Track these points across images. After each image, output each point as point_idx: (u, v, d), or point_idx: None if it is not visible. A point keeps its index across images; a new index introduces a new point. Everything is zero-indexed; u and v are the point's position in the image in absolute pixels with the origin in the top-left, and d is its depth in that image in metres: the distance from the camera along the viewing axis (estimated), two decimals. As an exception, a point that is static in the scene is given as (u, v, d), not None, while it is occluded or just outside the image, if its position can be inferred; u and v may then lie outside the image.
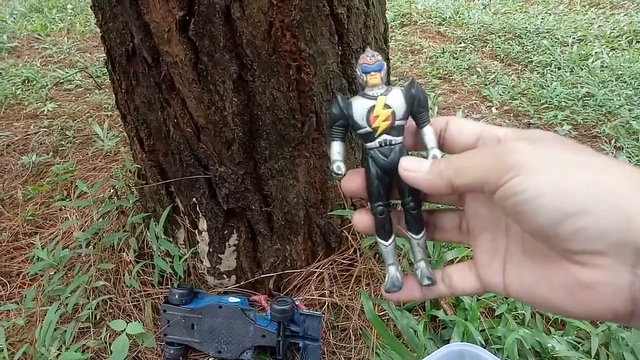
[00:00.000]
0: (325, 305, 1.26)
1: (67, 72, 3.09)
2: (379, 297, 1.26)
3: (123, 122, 1.30)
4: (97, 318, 1.26)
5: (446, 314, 1.21)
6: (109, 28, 1.04)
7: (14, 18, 4.26)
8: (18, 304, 1.30)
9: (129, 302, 1.27)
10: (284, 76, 1.01)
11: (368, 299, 1.16)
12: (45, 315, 1.26)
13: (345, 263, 1.32)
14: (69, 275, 1.35)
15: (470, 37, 3.75)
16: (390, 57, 1.54)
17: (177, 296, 1.18)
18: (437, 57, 3.41)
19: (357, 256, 1.32)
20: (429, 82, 3.05)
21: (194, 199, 1.18)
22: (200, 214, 1.20)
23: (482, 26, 3.88)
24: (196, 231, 1.25)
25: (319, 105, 1.09)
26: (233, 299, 1.19)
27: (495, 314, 1.23)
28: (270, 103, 1.04)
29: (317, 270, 1.30)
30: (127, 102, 1.16)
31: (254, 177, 1.14)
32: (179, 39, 0.95)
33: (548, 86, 2.83)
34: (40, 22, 4.09)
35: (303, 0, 0.95)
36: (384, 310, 1.23)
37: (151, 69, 1.02)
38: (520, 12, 4.25)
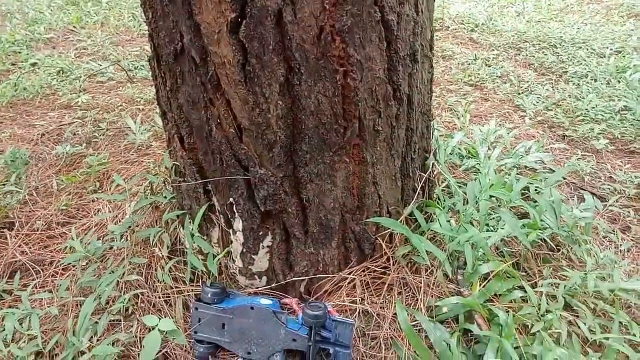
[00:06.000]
0: (356, 312, 1.25)
1: (101, 65, 3.13)
2: (411, 306, 1.25)
3: (162, 119, 1.31)
4: (128, 311, 1.27)
5: (480, 329, 1.18)
6: (158, 26, 1.04)
7: (51, 10, 4.34)
8: (51, 292, 1.32)
9: (159, 298, 1.28)
10: (331, 81, 1.00)
11: (403, 309, 1.14)
12: (77, 305, 1.28)
13: (378, 271, 1.30)
14: (102, 267, 1.36)
15: (503, 44, 3.69)
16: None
17: (209, 295, 1.18)
18: (469, 64, 3.36)
19: (390, 264, 1.31)
20: (460, 88, 3.02)
21: (231, 199, 1.18)
22: (236, 214, 1.19)
23: (516, 34, 3.82)
24: (230, 231, 1.25)
25: (362, 112, 1.08)
26: (265, 301, 1.19)
27: (530, 332, 1.21)
28: (314, 107, 1.03)
29: (349, 276, 1.29)
30: (170, 99, 1.16)
31: (293, 180, 1.14)
32: (228, 40, 0.95)
33: (584, 98, 2.77)
34: (76, 15, 4.16)
35: (355, 5, 0.94)
36: (416, 321, 1.21)
37: (198, 69, 1.02)
38: (555, 21, 4.17)
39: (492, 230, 1.49)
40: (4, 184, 1.82)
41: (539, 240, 1.45)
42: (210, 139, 1.11)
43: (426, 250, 1.23)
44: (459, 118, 2.51)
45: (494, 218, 1.58)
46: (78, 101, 2.57)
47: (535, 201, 1.65)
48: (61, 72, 3.03)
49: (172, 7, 0.97)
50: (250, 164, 1.10)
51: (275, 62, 0.96)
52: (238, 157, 1.11)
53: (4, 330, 1.21)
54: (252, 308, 1.17)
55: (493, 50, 3.61)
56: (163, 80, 1.15)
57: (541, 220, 1.45)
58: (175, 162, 1.28)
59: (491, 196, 1.54)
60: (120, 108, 2.51)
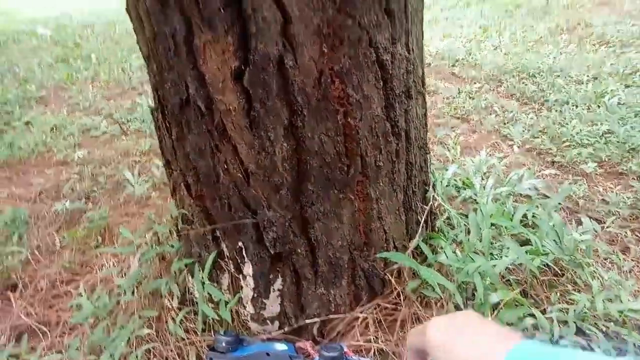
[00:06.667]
0: (371, 352, 1.24)
1: (93, 120, 3.17)
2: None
3: (166, 169, 1.33)
4: (141, 367, 1.24)
5: None
6: (163, 78, 1.07)
7: (42, 68, 4.42)
8: (61, 353, 1.29)
9: (172, 350, 1.25)
10: (332, 121, 1.04)
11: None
12: (87, 364, 1.25)
13: (389, 307, 1.30)
14: (111, 323, 1.34)
15: (484, 77, 3.82)
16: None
17: (223, 344, 1.16)
18: (454, 98, 3.46)
19: (401, 300, 1.30)
20: (447, 122, 3.09)
21: (240, 244, 1.19)
22: (246, 258, 1.20)
23: (496, 67, 3.96)
24: (240, 276, 1.24)
25: (364, 149, 1.11)
26: (280, 346, 1.17)
27: None
28: (318, 147, 1.06)
29: (361, 315, 1.28)
30: (175, 148, 1.18)
31: (300, 220, 1.15)
32: (233, 88, 0.98)
33: (567, 124, 2.85)
34: (66, 72, 4.24)
35: (352, 48, 0.98)
36: (432, 356, 1.20)
37: (204, 117, 1.05)
38: (532, 52, 4.34)
39: (496, 259, 1.50)
40: (4, 245, 1.80)
41: (543, 266, 1.46)
42: (218, 185, 1.13)
43: (437, 283, 1.24)
44: (449, 150, 2.56)
45: (496, 247, 1.60)
46: (74, 157, 2.59)
47: (534, 227, 1.67)
48: (55, 129, 3.06)
49: (176, 60, 1.01)
50: (258, 207, 1.12)
51: (278, 107, 1.00)
52: (246, 201, 1.12)
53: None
54: (268, 354, 1.15)
55: (475, 83, 3.73)
56: (168, 131, 1.18)
57: (542, 245, 1.47)
58: (183, 210, 1.29)
59: (492, 225, 1.55)
60: (116, 161, 2.53)
